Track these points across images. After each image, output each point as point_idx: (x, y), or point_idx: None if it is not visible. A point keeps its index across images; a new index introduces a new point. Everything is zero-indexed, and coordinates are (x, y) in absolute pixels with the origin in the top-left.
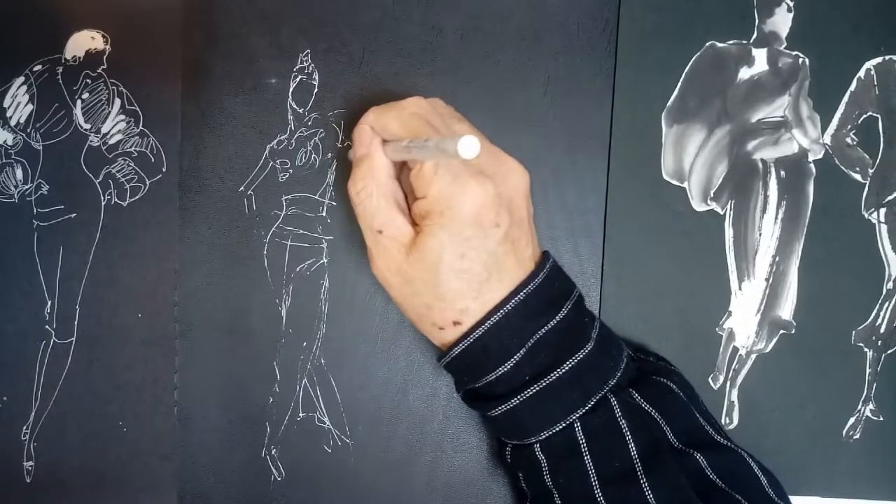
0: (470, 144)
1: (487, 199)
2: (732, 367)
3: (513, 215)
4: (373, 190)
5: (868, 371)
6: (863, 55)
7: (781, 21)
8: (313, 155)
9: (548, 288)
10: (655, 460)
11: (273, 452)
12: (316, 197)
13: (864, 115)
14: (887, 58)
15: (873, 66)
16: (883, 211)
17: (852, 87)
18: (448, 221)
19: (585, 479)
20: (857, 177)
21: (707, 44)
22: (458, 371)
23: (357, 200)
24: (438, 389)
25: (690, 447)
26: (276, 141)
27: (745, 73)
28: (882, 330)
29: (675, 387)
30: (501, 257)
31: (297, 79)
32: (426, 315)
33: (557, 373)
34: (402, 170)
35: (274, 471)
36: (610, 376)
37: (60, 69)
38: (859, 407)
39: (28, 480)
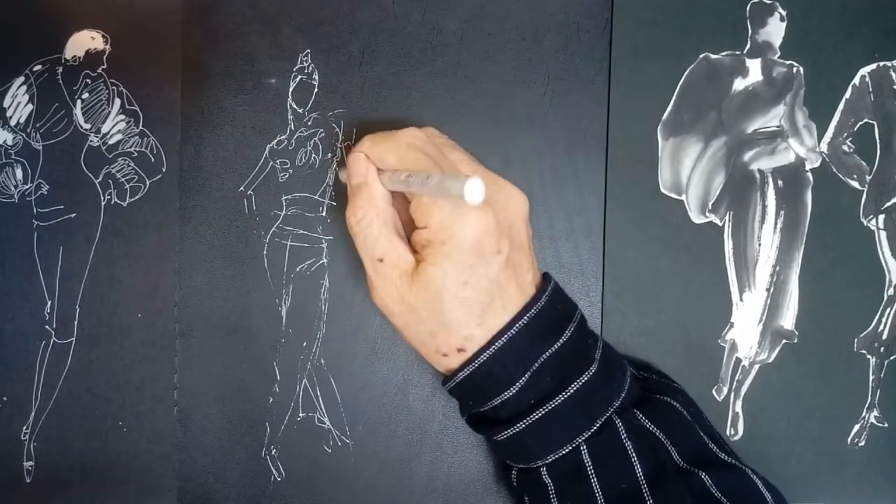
0: (476, 188)
1: (489, 226)
2: (736, 378)
3: (513, 241)
4: (372, 219)
5: (871, 378)
6: (857, 62)
7: (774, 31)
8: (313, 155)
9: (550, 311)
10: (661, 481)
11: (273, 452)
12: (316, 197)
13: (860, 122)
14: (881, 64)
15: (868, 72)
16: (882, 217)
17: (847, 94)
18: (450, 250)
19: (592, 501)
20: (855, 184)
21: (700, 56)
22: (462, 396)
23: (357, 230)
24: (438, 390)
25: (695, 466)
26: (275, 141)
27: (739, 84)
28: (884, 336)
29: (679, 405)
30: (504, 283)
31: (297, 79)
32: (430, 342)
33: (562, 396)
34: (397, 197)
35: (274, 471)
36: (614, 398)
37: (60, 69)
38: (864, 414)
39: (28, 480)
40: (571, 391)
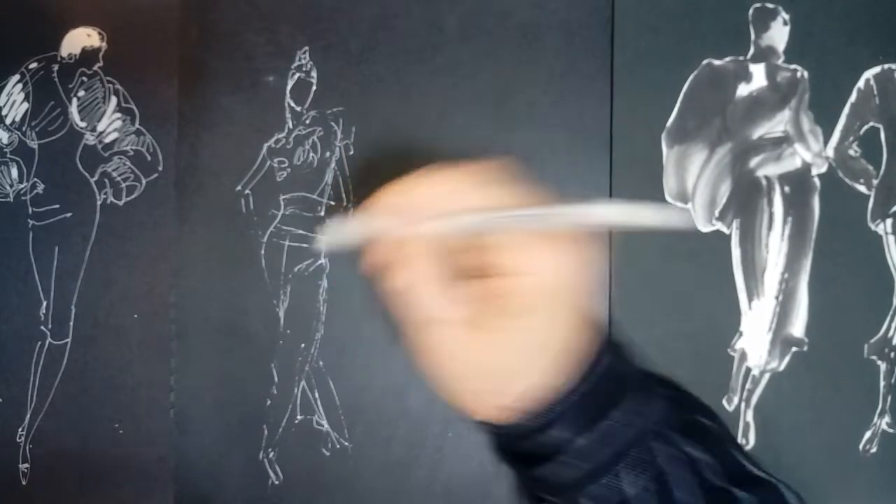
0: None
1: (560, 279)
2: (746, 387)
3: (584, 295)
4: (427, 274)
5: (882, 384)
6: (861, 65)
7: (778, 35)
8: (311, 154)
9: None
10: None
11: (270, 455)
12: (314, 196)
13: (866, 126)
14: (886, 67)
15: (872, 75)
16: (889, 222)
17: (852, 97)
18: (521, 305)
19: None
20: (862, 188)
21: (704, 62)
22: (500, 437)
23: (407, 289)
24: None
25: (732, 485)
26: (273, 139)
27: (743, 90)
28: (894, 342)
29: (714, 424)
30: (570, 339)
31: (295, 76)
32: (478, 399)
33: (606, 427)
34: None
35: (271, 474)
36: (651, 423)
37: (56, 67)
38: (875, 420)
39: (24, 483)
40: (615, 422)
